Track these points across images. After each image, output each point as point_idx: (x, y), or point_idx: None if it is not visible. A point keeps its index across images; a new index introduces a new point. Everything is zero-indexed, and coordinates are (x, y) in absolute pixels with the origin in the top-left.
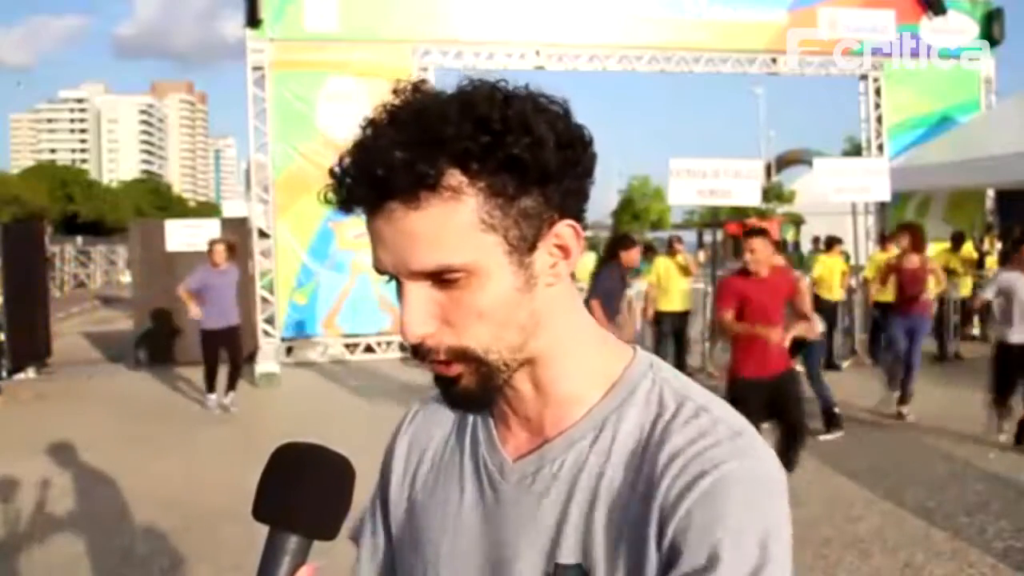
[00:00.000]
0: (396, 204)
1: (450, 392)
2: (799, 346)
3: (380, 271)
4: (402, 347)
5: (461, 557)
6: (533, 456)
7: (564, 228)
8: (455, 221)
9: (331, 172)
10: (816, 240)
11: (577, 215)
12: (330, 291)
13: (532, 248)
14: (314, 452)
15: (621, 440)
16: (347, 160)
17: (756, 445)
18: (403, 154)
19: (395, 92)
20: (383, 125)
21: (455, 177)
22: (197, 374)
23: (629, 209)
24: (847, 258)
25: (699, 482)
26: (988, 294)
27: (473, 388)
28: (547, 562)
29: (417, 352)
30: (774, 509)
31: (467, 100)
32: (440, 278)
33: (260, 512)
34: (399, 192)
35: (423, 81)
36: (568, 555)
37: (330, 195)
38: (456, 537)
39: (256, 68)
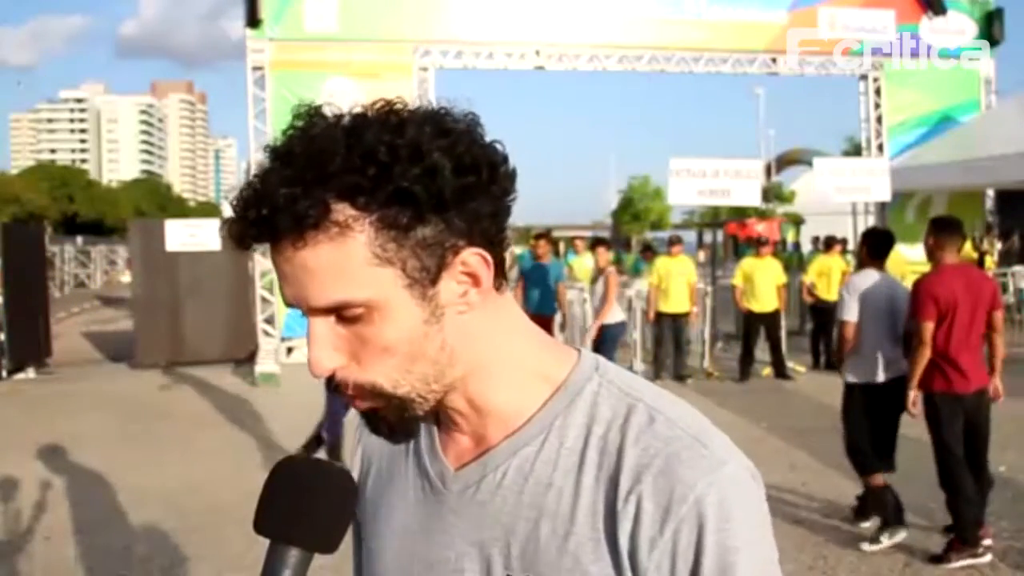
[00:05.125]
0: (285, 243)
1: (371, 422)
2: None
3: (288, 304)
4: None
5: (404, 567)
6: (476, 464)
7: (471, 256)
8: (346, 257)
9: (232, 206)
10: (816, 240)
11: (492, 237)
12: None
13: (435, 279)
14: (314, 466)
15: (569, 446)
16: (239, 198)
17: (716, 447)
18: (288, 190)
19: (296, 116)
20: (277, 158)
21: (343, 212)
22: (197, 374)
23: (629, 209)
24: (848, 258)
25: (673, 511)
26: None
27: (391, 419)
28: (494, 574)
29: (330, 386)
30: (750, 524)
31: (357, 129)
32: (341, 314)
33: (261, 526)
34: (284, 232)
35: (326, 104)
36: (516, 568)
37: (228, 233)
38: (399, 547)
39: (256, 68)
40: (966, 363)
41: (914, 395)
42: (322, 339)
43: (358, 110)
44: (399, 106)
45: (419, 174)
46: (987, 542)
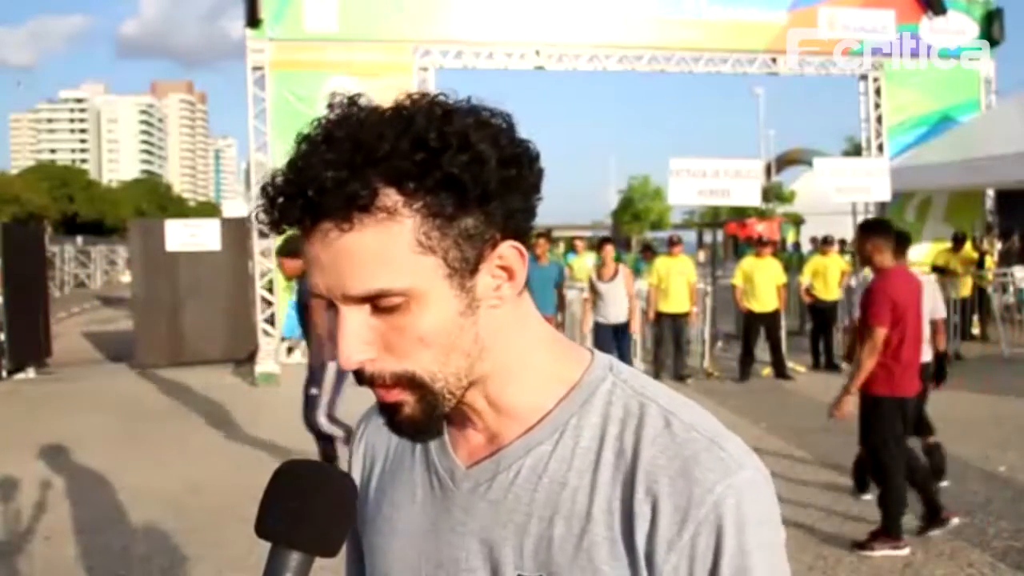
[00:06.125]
0: (329, 225)
1: (394, 421)
2: None
3: (316, 294)
4: None
5: (411, 566)
6: (488, 462)
7: (508, 249)
8: (391, 243)
9: (263, 190)
10: (814, 240)
11: (523, 234)
12: None
13: (474, 270)
14: (316, 469)
15: (584, 446)
16: (279, 179)
17: (731, 449)
18: (335, 173)
19: (330, 107)
20: (317, 143)
21: (390, 197)
22: (197, 374)
23: (629, 209)
24: (850, 257)
25: (692, 514)
26: None
27: (418, 417)
28: (504, 574)
29: (360, 379)
30: (767, 527)
31: (404, 116)
32: (377, 304)
33: (262, 529)
34: (331, 213)
35: (360, 95)
36: (528, 567)
37: (262, 215)
38: (407, 545)
39: (256, 68)
40: (915, 367)
41: (848, 400)
42: (354, 331)
43: (402, 100)
44: (442, 97)
45: (467, 162)
46: (955, 521)
